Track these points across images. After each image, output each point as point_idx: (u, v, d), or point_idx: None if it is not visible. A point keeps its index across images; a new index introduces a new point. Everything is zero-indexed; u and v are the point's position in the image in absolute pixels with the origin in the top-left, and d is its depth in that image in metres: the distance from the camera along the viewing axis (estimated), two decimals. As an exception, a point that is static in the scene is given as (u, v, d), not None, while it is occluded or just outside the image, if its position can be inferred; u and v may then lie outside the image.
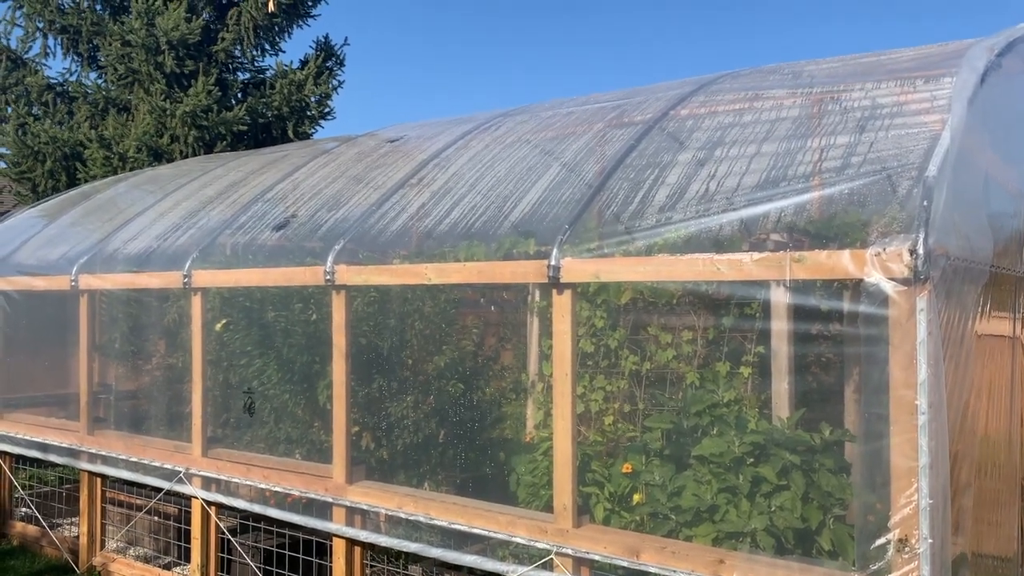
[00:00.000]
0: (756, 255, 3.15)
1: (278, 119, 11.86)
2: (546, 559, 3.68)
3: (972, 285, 3.09)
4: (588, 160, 4.36)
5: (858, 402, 4.02)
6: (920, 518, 2.79)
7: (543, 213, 4.19)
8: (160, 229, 6.30)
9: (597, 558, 3.55)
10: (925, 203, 2.88)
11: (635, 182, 3.90)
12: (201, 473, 5.26)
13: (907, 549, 2.82)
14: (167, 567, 5.90)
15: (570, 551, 3.64)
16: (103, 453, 5.93)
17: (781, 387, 4.57)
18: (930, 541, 2.78)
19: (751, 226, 3.47)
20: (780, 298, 4.37)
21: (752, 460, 4.00)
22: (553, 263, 3.70)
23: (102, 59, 11.77)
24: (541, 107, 5.64)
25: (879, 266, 2.88)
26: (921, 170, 3.01)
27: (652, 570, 3.38)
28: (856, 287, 3.08)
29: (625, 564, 3.48)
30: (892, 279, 2.85)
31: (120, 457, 5.79)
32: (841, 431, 3.92)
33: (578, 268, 3.66)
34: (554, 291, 3.76)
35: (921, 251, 2.79)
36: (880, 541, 2.89)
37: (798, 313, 4.29)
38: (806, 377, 4.58)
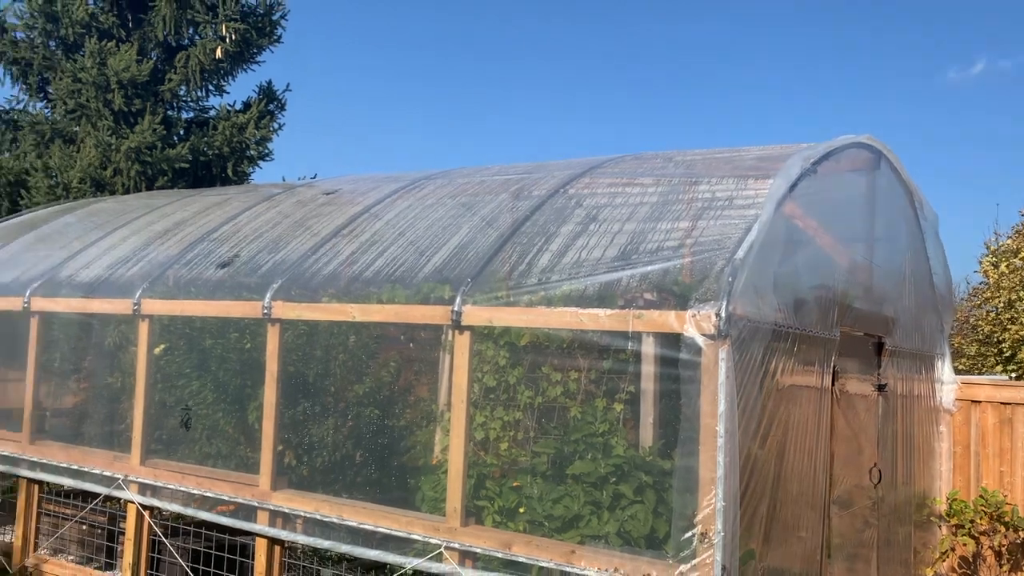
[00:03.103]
0: (609, 311, 4.08)
1: (219, 158, 12.51)
2: (436, 552, 4.48)
3: (760, 341, 4.05)
4: (493, 224, 5.26)
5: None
6: (716, 516, 3.71)
7: (453, 266, 5.05)
8: (110, 260, 6.94)
9: (478, 551, 4.38)
10: (731, 279, 3.85)
11: (526, 247, 4.82)
12: (139, 480, 5.89)
13: (706, 540, 3.73)
14: (97, 567, 6.45)
15: (457, 545, 4.46)
16: (44, 461, 6.48)
17: (647, 420, 5.48)
18: (722, 534, 3.69)
19: (611, 288, 4.38)
20: (648, 348, 5.30)
21: (615, 479, 4.87)
22: (456, 308, 4.57)
23: (51, 92, 12.28)
24: (459, 173, 6.55)
25: (695, 324, 3.83)
26: (732, 252, 3.99)
27: (520, 559, 4.22)
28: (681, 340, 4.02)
29: (500, 555, 4.30)
30: (704, 334, 3.80)
31: (61, 465, 6.35)
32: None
33: (476, 314, 4.54)
34: (456, 332, 4.62)
35: (724, 314, 3.75)
36: (688, 535, 3.80)
37: (661, 360, 5.22)
38: (666, 411, 5.50)
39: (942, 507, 7.12)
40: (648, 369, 5.39)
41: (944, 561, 7.06)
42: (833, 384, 5.33)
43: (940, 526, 7.13)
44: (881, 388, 6.27)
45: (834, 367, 5.30)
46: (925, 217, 7.18)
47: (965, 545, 6.84)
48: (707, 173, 5.09)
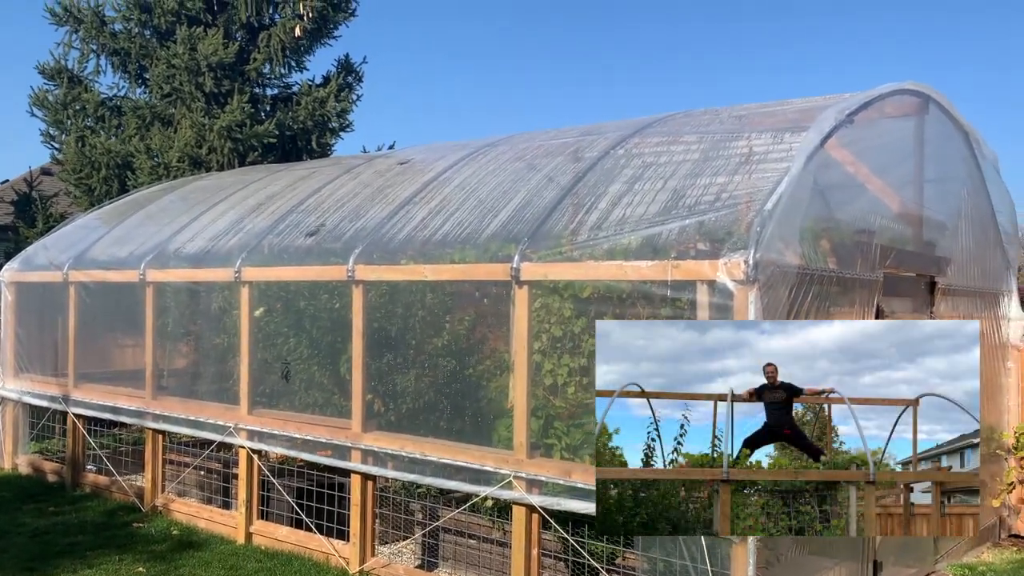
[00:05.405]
0: (649, 263, 4.50)
1: (303, 132, 13.25)
2: (506, 481, 5.05)
3: (790, 284, 4.42)
4: (548, 187, 5.71)
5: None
6: (749, 442, 4.13)
7: (512, 226, 5.54)
8: (211, 233, 7.70)
9: (542, 478, 4.92)
10: (758, 229, 4.22)
11: (577, 206, 5.26)
12: (247, 427, 6.67)
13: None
14: (216, 505, 7.31)
15: (524, 475, 5.01)
16: (166, 414, 7.35)
17: (703, 363, 5.89)
18: (755, 457, 4.11)
19: (651, 242, 4.79)
20: (703, 296, 5.69)
21: (669, 416, 5.31)
22: (515, 265, 5.07)
23: (148, 78, 13.22)
24: (520, 138, 7.00)
25: (726, 271, 4.23)
26: (762, 204, 4.35)
27: (579, 485, 4.75)
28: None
29: (561, 482, 4.84)
30: (734, 280, 4.20)
31: (181, 416, 7.21)
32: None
33: (532, 269, 5.03)
34: (516, 286, 5.13)
35: (752, 261, 4.14)
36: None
37: (710, 306, 5.60)
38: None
39: (1009, 440, 7.29)
40: (703, 315, 5.79)
41: (1011, 492, 7.26)
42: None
43: (1007, 459, 7.30)
44: (934, 326, 6.48)
45: (878, 307, 5.58)
46: (984, 156, 7.24)
47: (1031, 477, 7.02)
48: (749, 128, 5.40)
